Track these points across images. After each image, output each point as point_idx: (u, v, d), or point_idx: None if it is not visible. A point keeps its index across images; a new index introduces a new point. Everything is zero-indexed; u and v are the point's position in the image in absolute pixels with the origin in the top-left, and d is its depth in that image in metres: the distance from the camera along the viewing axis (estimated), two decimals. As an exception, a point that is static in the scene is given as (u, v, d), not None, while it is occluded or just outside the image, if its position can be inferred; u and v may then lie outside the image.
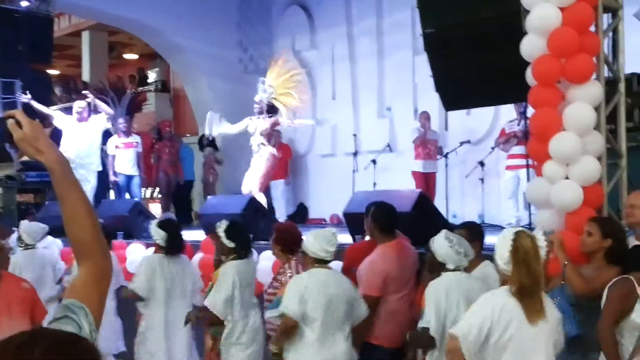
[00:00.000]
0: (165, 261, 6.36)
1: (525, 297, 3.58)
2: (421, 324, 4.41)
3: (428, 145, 10.78)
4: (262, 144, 9.73)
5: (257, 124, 9.78)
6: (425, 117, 10.95)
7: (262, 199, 9.65)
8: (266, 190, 9.73)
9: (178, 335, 6.38)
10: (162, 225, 6.45)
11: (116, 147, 12.31)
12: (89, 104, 11.66)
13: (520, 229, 3.87)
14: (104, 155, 12.31)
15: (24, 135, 1.83)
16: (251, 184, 9.83)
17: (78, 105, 11.85)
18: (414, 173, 10.83)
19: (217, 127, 10.30)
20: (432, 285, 4.46)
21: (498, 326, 3.56)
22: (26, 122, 1.84)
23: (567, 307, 4.35)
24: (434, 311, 4.34)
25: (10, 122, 1.83)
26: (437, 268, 4.55)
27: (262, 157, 9.70)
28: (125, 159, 12.27)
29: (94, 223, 1.90)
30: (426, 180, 10.74)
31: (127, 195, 12.31)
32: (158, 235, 6.35)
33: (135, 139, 12.58)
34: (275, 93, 9.82)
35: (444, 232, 4.65)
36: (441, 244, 4.52)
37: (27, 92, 11.65)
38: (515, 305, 3.58)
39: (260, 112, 9.82)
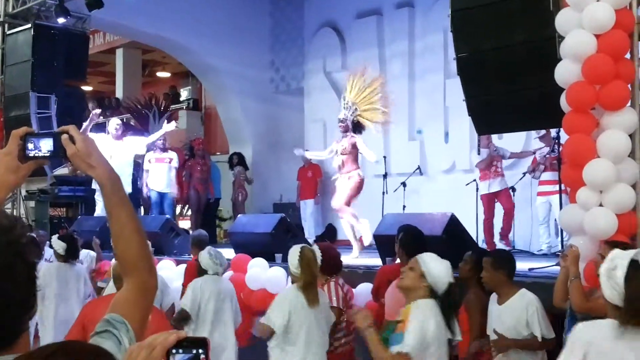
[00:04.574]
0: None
1: (307, 290, 5.26)
2: (181, 306, 6.24)
3: (494, 163, 10.13)
4: (343, 163, 9.37)
5: (341, 143, 9.42)
6: (486, 137, 9.99)
7: (350, 217, 9.37)
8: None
9: None
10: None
11: (149, 161, 12.32)
12: (123, 123, 11.75)
13: (305, 245, 5.67)
14: (135, 173, 12.42)
15: (76, 150, 1.87)
16: (336, 204, 9.50)
17: (115, 122, 11.97)
18: (482, 197, 10.13)
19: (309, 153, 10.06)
20: (195, 282, 6.33)
21: (295, 310, 5.17)
22: (79, 138, 1.88)
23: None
24: (191, 299, 6.15)
25: (64, 137, 1.87)
26: (201, 272, 6.38)
27: (350, 179, 9.35)
28: (158, 175, 12.26)
29: (141, 239, 1.92)
30: (495, 200, 10.10)
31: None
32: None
33: (170, 155, 12.55)
34: (359, 110, 9.52)
35: (208, 248, 6.56)
36: (204, 256, 6.35)
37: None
38: (301, 295, 5.24)
39: (346, 131, 9.43)
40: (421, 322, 3.91)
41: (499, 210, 10.16)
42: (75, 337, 5.01)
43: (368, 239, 9.18)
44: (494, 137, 10.28)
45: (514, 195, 10.07)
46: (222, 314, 6.29)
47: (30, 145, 1.89)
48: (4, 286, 1.42)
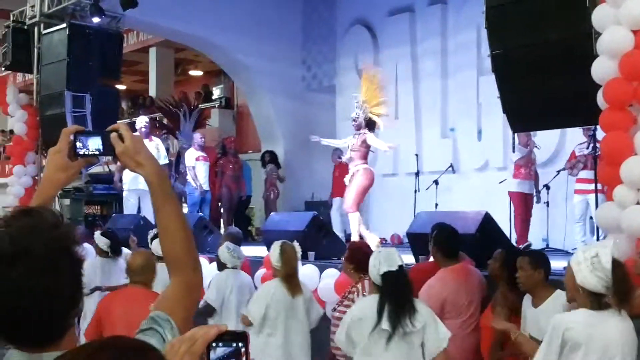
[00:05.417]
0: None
1: (288, 281, 5.85)
2: (205, 300, 6.49)
3: (529, 165, 10.11)
4: (352, 158, 9.55)
5: (352, 141, 9.63)
6: (525, 134, 9.89)
7: (354, 219, 9.56)
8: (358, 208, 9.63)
9: None
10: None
11: (197, 159, 12.58)
12: (153, 120, 11.90)
13: (285, 241, 6.19)
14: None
15: (125, 148, 1.89)
16: (345, 202, 9.71)
17: (143, 120, 12.13)
18: (512, 194, 10.11)
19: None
20: (217, 276, 6.83)
21: (273, 301, 5.77)
22: (128, 135, 1.90)
23: None
24: (216, 291, 6.55)
25: (113, 135, 1.89)
26: (222, 266, 6.80)
27: (355, 174, 9.50)
28: (203, 174, 12.61)
29: (187, 237, 1.92)
30: (526, 202, 10.09)
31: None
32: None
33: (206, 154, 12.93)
34: (369, 107, 9.68)
35: (226, 243, 6.98)
36: (223, 251, 6.80)
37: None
38: (282, 287, 5.81)
39: (358, 128, 9.59)
40: (346, 316, 4.61)
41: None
42: (91, 332, 5.06)
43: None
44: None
45: (548, 194, 9.97)
46: (244, 305, 6.52)
47: (79, 144, 1.91)
48: (51, 282, 1.43)
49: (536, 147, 10.13)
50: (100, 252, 7.64)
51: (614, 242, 3.65)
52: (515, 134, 10.05)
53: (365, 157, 9.60)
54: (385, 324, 4.26)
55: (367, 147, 9.57)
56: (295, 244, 6.25)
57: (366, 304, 4.47)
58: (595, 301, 3.48)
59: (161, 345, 1.68)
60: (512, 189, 10.13)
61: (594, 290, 3.47)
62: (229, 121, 19.10)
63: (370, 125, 9.63)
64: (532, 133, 9.87)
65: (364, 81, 9.81)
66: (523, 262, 4.92)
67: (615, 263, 3.46)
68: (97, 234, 7.93)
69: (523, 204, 10.03)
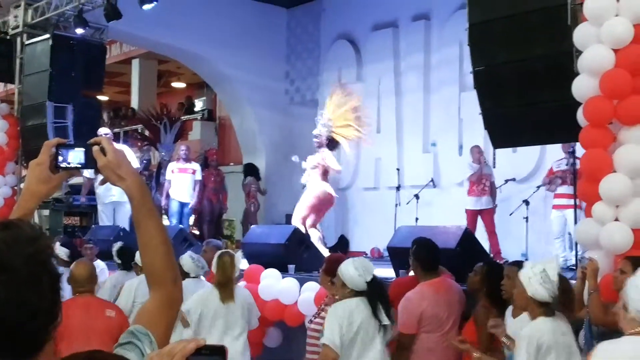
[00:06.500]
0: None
1: (220, 288, 6.09)
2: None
3: (483, 181, 10.36)
4: (310, 177, 9.63)
5: (312, 158, 9.69)
6: (478, 151, 10.44)
7: (314, 234, 9.60)
8: (314, 226, 9.65)
9: None
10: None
11: (172, 172, 12.56)
12: (138, 132, 11.86)
13: (226, 250, 6.58)
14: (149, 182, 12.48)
15: (107, 162, 1.88)
16: (297, 217, 9.73)
17: (102, 132, 11.99)
18: (467, 211, 10.41)
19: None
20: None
21: (207, 304, 6.03)
22: (110, 149, 1.89)
23: (590, 339, 4.62)
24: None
25: (95, 149, 1.89)
26: (184, 275, 6.57)
27: (311, 191, 9.58)
28: (180, 185, 12.55)
29: (167, 251, 1.92)
30: (479, 217, 10.34)
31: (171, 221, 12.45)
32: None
33: (193, 166, 12.88)
34: (334, 126, 9.70)
35: (188, 252, 7.09)
36: (187, 260, 6.80)
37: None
38: (216, 293, 6.08)
39: (320, 146, 9.66)
40: (333, 320, 4.76)
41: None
42: None
43: None
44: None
45: (527, 209, 10.04)
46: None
47: (61, 157, 1.91)
48: (30, 296, 1.42)
49: (485, 162, 10.42)
50: (62, 262, 7.58)
51: (557, 258, 4.35)
52: (471, 149, 10.44)
53: (324, 176, 9.66)
54: (385, 320, 4.82)
55: (326, 166, 9.65)
56: (238, 253, 6.41)
57: (353, 307, 4.81)
58: (548, 310, 4.06)
59: (140, 359, 1.68)
60: (467, 207, 10.42)
61: (542, 300, 4.04)
62: (211, 133, 19.07)
63: (331, 144, 9.70)
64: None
65: (333, 100, 9.85)
66: (511, 271, 4.93)
67: (560, 277, 4.07)
68: (57, 245, 7.92)
69: (472, 223, 10.22)
